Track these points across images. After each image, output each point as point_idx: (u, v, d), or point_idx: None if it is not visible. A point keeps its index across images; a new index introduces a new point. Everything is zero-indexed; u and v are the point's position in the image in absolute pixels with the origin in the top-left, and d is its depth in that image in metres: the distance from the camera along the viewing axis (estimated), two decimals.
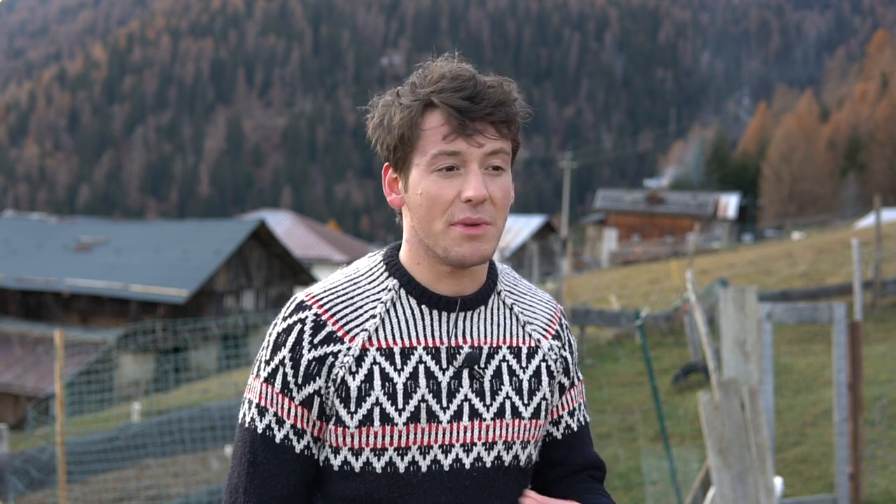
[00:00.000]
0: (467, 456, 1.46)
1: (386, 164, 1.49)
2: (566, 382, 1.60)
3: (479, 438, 1.47)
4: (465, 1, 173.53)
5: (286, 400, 1.43)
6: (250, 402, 1.47)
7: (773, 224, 55.07)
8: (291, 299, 1.49)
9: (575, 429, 1.62)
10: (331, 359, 1.42)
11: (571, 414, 1.62)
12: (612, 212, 53.45)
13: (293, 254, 32.21)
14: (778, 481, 4.73)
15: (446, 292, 1.48)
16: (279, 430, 1.44)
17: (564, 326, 1.62)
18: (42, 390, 22.28)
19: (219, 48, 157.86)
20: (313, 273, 34.37)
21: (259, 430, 1.45)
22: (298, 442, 1.44)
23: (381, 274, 1.50)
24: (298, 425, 1.44)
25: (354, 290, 1.48)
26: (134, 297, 27.31)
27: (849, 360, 5.24)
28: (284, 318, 1.46)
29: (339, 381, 1.42)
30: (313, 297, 1.47)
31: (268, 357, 1.46)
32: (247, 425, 1.46)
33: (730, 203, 52.79)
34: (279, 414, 1.43)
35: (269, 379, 1.44)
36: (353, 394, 1.42)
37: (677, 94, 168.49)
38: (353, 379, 1.42)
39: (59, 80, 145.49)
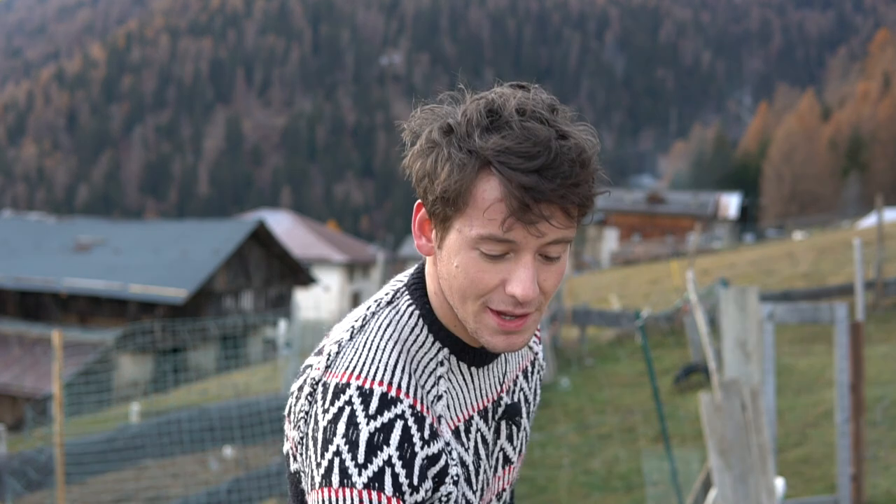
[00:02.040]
0: (499, 503, 1.37)
1: (419, 201, 1.22)
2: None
3: (507, 483, 1.37)
4: (465, 1, 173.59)
5: (399, 502, 1.14)
6: None
7: (774, 224, 55.08)
8: (358, 394, 1.17)
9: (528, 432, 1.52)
10: (443, 458, 1.19)
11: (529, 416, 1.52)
12: (612, 212, 53.46)
13: (292, 254, 32.22)
14: (779, 482, 4.70)
15: (477, 344, 1.28)
16: None
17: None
18: (40, 391, 22.26)
19: (218, 48, 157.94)
20: (313, 273, 34.37)
21: None
22: None
23: (427, 339, 1.24)
24: None
25: (413, 364, 1.23)
26: (133, 297, 27.30)
27: (850, 360, 5.21)
28: (372, 417, 1.15)
29: (458, 481, 1.21)
30: (392, 385, 1.18)
31: (362, 460, 1.13)
32: None
33: (731, 203, 52.82)
34: None
35: (373, 484, 1.13)
36: (460, 491, 1.23)
37: (678, 93, 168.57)
38: (456, 476, 1.22)
39: (57, 79, 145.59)
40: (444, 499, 1.19)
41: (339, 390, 1.18)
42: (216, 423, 9.75)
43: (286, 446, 1.30)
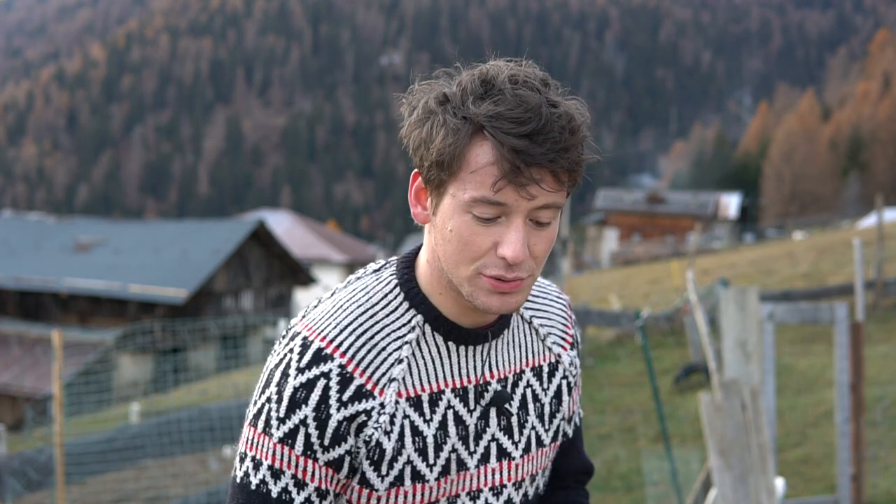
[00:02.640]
0: (497, 499, 1.35)
1: (415, 171, 1.25)
2: (574, 390, 1.47)
3: (510, 479, 1.35)
4: (465, 1, 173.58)
5: (309, 462, 1.22)
6: (257, 462, 1.23)
7: (774, 224, 55.08)
8: (299, 342, 1.24)
9: (570, 435, 1.50)
10: (363, 417, 1.22)
11: (569, 420, 1.48)
12: (612, 212, 53.47)
13: (292, 254, 32.22)
14: (779, 482, 4.69)
15: (470, 324, 1.29)
16: (299, 492, 1.23)
17: (575, 325, 1.48)
18: (40, 391, 22.26)
19: (218, 48, 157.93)
20: (313, 273, 34.36)
21: (273, 494, 1.22)
22: (321, 503, 1.24)
23: (401, 305, 1.27)
24: (323, 486, 1.24)
25: (375, 327, 1.25)
26: (133, 297, 27.30)
27: (851, 360, 5.20)
28: (300, 370, 1.22)
29: (372, 442, 1.23)
30: (331, 343, 1.23)
31: (281, 414, 1.21)
32: (254, 487, 1.23)
33: (731, 203, 52.82)
34: (299, 477, 1.22)
35: (286, 440, 1.21)
36: (387, 455, 1.24)
37: (678, 93, 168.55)
38: (388, 439, 1.24)
39: (57, 79, 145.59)
40: (355, 454, 1.23)
41: (291, 337, 1.26)
42: (216, 423, 9.75)
43: None
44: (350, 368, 1.22)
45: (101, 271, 28.41)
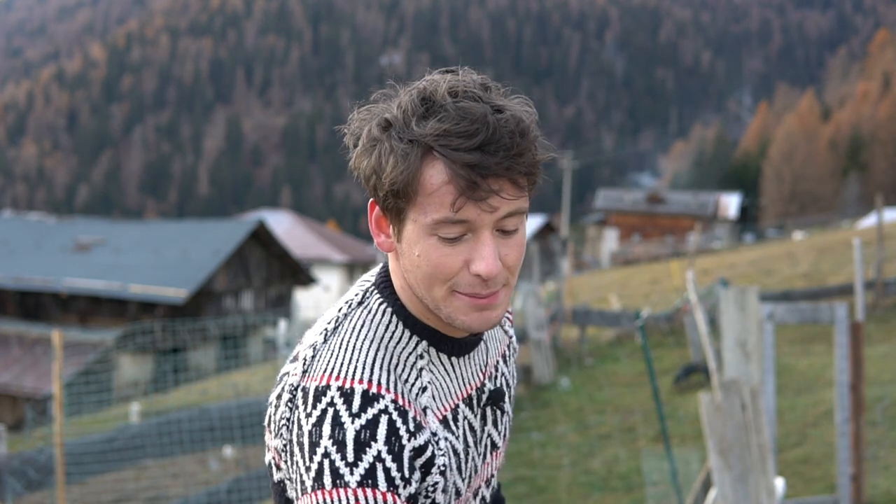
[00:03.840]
0: (488, 489, 1.38)
1: (371, 200, 1.22)
2: None
3: (495, 469, 1.38)
4: (465, 1, 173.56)
5: (394, 497, 1.12)
6: None
7: (774, 224, 55.11)
8: (339, 394, 1.16)
9: None
10: (430, 448, 1.18)
11: None
12: (612, 212, 53.47)
13: (292, 254, 32.22)
14: (779, 482, 4.70)
15: (462, 335, 1.28)
16: None
17: None
18: (40, 391, 22.26)
19: (218, 48, 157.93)
20: (313, 273, 34.37)
21: None
22: None
23: (404, 334, 1.24)
24: None
25: (393, 360, 1.22)
26: (133, 297, 27.30)
27: (850, 360, 5.21)
28: (355, 415, 1.13)
29: (445, 471, 1.21)
30: (372, 382, 1.17)
31: (350, 458, 1.11)
32: None
33: (731, 203, 52.83)
34: None
35: (366, 481, 1.11)
36: (450, 480, 1.23)
37: (678, 93, 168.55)
38: (443, 465, 1.21)
39: (57, 79, 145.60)
40: (430, 489, 1.19)
41: (320, 393, 1.16)
42: (216, 423, 9.75)
43: (268, 456, 1.28)
44: (401, 402, 1.17)
45: (101, 271, 28.41)
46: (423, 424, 1.20)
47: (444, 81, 1.16)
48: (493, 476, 1.38)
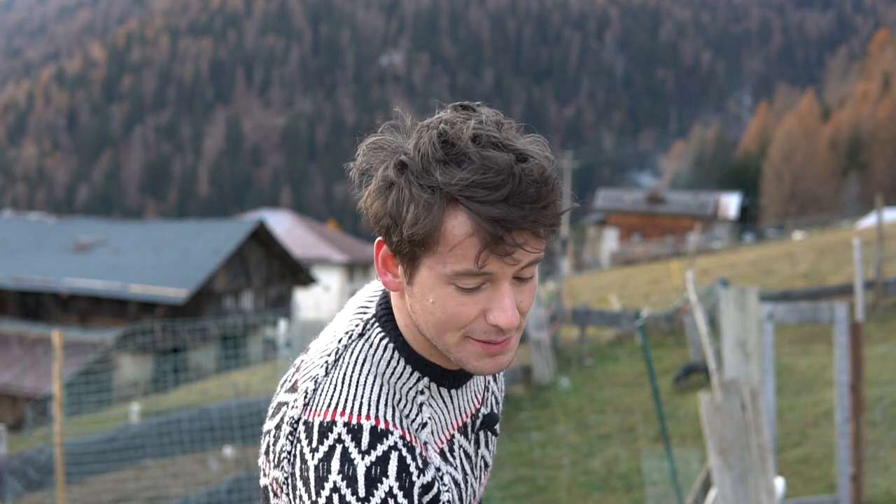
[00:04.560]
0: None
1: (379, 239, 1.18)
2: None
3: (484, 484, 1.39)
4: (465, 1, 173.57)
5: None
6: None
7: (774, 224, 55.11)
8: (347, 430, 1.14)
9: None
10: (436, 485, 1.18)
11: None
12: (612, 212, 53.47)
13: (292, 254, 32.22)
14: (779, 482, 4.70)
15: (459, 367, 1.28)
16: None
17: None
18: (40, 391, 22.26)
19: (218, 48, 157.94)
20: (313, 273, 34.38)
21: None
22: None
23: (405, 369, 1.22)
24: None
25: (396, 396, 1.21)
26: (133, 297, 27.30)
27: (850, 360, 5.21)
28: (365, 452, 1.12)
29: None
30: (379, 418, 1.16)
31: (362, 494, 1.10)
32: None
33: (731, 203, 52.84)
34: None
35: None
36: None
37: (678, 93, 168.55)
38: (453, 501, 1.22)
39: (57, 79, 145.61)
40: None
41: (326, 429, 1.14)
42: (216, 423, 9.75)
43: (264, 481, 1.26)
44: (408, 438, 1.17)
45: (102, 271, 28.41)
46: (429, 461, 1.19)
47: (466, 126, 1.11)
48: (483, 493, 1.41)
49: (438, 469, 1.21)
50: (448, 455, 1.25)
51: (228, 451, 9.88)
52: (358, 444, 1.13)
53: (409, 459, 1.14)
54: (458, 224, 1.08)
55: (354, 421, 1.14)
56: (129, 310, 27.69)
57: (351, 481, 1.10)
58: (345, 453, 1.12)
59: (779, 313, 5.23)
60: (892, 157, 58.42)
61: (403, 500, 1.11)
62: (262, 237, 30.26)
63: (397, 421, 1.17)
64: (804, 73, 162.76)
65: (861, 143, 62.30)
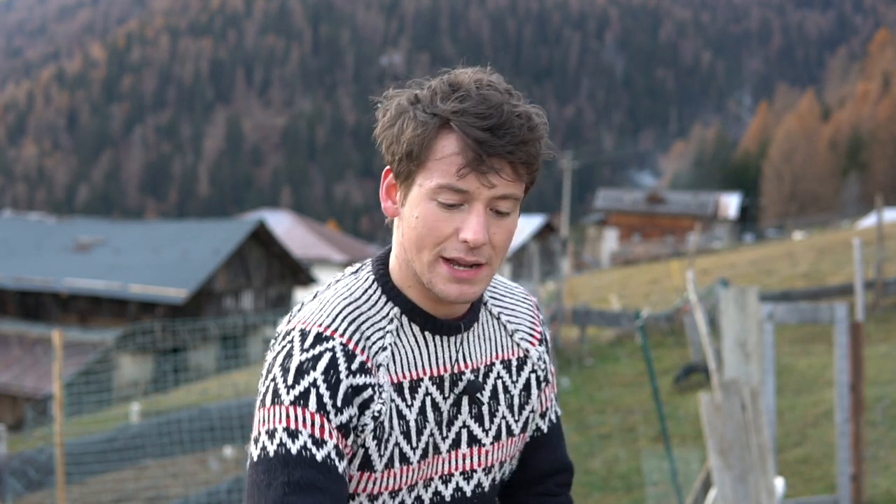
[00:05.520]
0: (468, 483, 1.43)
1: (387, 167, 1.35)
2: (544, 386, 1.54)
3: (479, 465, 1.43)
4: (465, 1, 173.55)
5: (324, 420, 1.25)
6: (271, 432, 1.25)
7: (774, 224, 55.08)
8: (299, 334, 1.31)
9: (545, 430, 1.56)
10: (369, 391, 1.30)
11: (543, 416, 1.55)
12: (612, 212, 53.47)
13: (292, 254, 32.21)
14: (779, 482, 4.70)
15: (443, 315, 1.38)
16: (318, 449, 1.25)
17: (543, 323, 1.56)
18: (40, 391, 22.26)
19: (218, 48, 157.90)
20: (313, 273, 34.37)
21: (294, 452, 1.24)
22: (339, 463, 1.26)
23: (380, 299, 1.36)
24: (339, 446, 1.27)
25: (360, 318, 1.34)
26: (133, 297, 27.30)
27: (850, 360, 5.21)
28: (305, 350, 1.29)
29: (381, 417, 1.30)
30: (328, 328, 1.31)
31: (290, 382, 1.27)
32: (272, 454, 1.24)
33: (731, 203, 52.84)
34: (316, 434, 1.25)
35: (299, 401, 1.26)
36: (385, 434, 1.32)
37: (678, 93, 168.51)
38: (387, 419, 1.32)
39: (57, 79, 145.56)
40: (361, 428, 1.30)
41: (286, 333, 1.34)
42: (216, 423, 9.75)
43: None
44: (351, 346, 1.31)
45: (102, 271, 28.40)
46: (372, 372, 1.31)
47: (474, 74, 1.32)
48: (475, 471, 1.43)
49: (381, 386, 1.31)
50: (406, 392, 1.35)
51: (228, 451, 9.88)
52: (302, 344, 1.30)
53: (341, 361, 1.29)
54: (447, 143, 1.26)
55: (308, 328, 1.32)
56: (129, 310, 27.68)
57: (285, 372, 1.28)
58: (289, 351, 1.30)
59: (779, 313, 5.23)
60: (892, 157, 58.40)
61: (325, 391, 1.27)
62: (262, 237, 30.26)
63: (347, 333, 1.32)
64: (804, 73, 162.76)
65: (861, 143, 62.28)
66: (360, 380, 1.29)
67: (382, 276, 1.38)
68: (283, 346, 1.32)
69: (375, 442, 1.31)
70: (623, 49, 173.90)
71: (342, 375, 1.28)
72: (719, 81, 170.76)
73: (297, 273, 31.94)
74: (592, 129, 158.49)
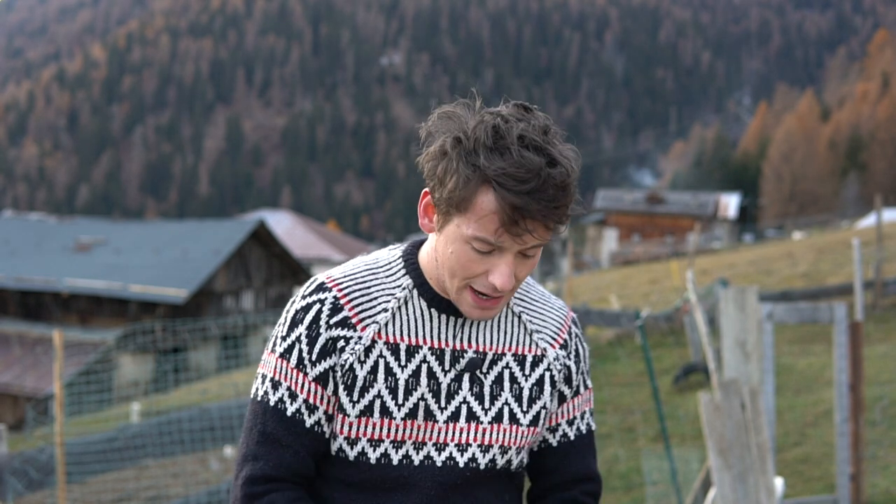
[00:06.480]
0: (462, 455, 1.52)
1: (427, 189, 1.47)
2: (567, 391, 1.62)
3: (475, 440, 1.52)
4: (465, 1, 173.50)
5: (300, 375, 1.47)
6: (264, 377, 1.51)
7: (773, 224, 55.05)
8: (312, 280, 1.54)
9: (572, 438, 1.63)
10: (342, 342, 1.47)
11: (570, 423, 1.63)
12: (612, 212, 53.44)
13: (293, 254, 32.22)
14: (779, 482, 4.71)
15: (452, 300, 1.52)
16: (291, 403, 1.48)
17: (574, 335, 1.63)
18: (41, 391, 22.26)
19: (218, 48, 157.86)
20: (313, 273, 34.38)
21: (271, 403, 1.48)
22: (309, 417, 1.48)
23: (399, 270, 1.54)
24: (311, 400, 1.48)
25: (373, 280, 1.52)
26: (133, 297, 27.31)
27: (850, 360, 5.22)
28: (304, 297, 1.51)
29: (347, 366, 1.47)
30: (333, 280, 1.51)
31: (284, 333, 1.50)
32: (259, 398, 1.50)
33: (730, 203, 52.78)
34: (293, 388, 1.48)
35: (285, 354, 1.49)
36: (359, 383, 1.47)
37: (678, 93, 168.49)
38: (361, 368, 1.47)
39: (58, 79, 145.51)
40: (333, 371, 1.48)
41: (309, 280, 1.55)
42: (217, 423, 9.76)
43: None
44: (342, 301, 1.49)
45: (102, 271, 28.41)
46: (355, 325, 1.48)
47: (517, 125, 1.37)
48: (470, 445, 1.51)
49: (359, 339, 1.47)
50: (402, 353, 1.49)
51: (228, 450, 9.89)
52: (305, 290, 1.52)
53: (324, 314, 1.48)
54: (486, 201, 1.36)
55: (320, 278, 1.53)
56: (129, 310, 27.69)
57: (284, 321, 1.52)
58: (297, 297, 1.53)
59: (778, 313, 5.24)
60: (892, 157, 58.38)
61: (306, 346, 1.48)
62: (262, 237, 30.26)
63: (347, 289, 1.50)
64: (804, 73, 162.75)
65: (860, 143, 62.25)
66: (336, 332, 1.47)
67: (410, 255, 1.55)
68: (299, 291, 1.54)
69: (345, 388, 1.47)
70: (623, 49, 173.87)
71: (322, 329, 1.47)
72: (719, 82, 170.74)
73: (298, 273, 31.94)
74: (592, 129, 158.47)
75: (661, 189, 65.58)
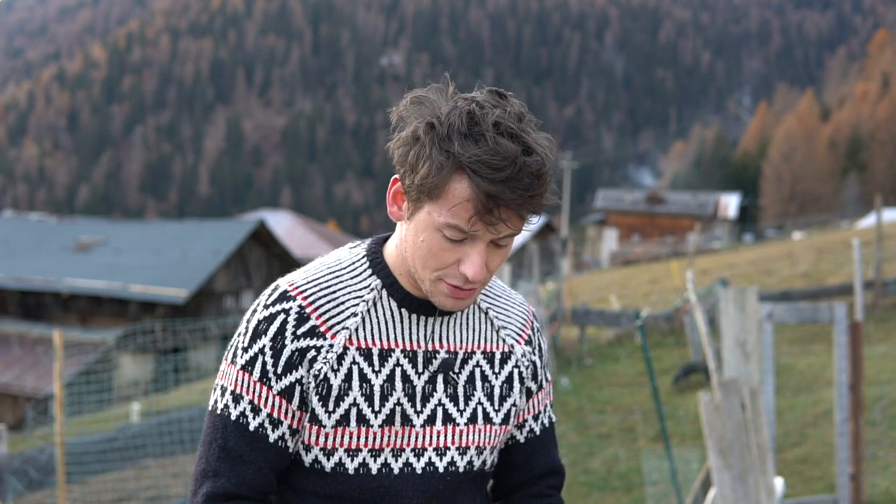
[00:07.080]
0: (441, 460, 1.48)
1: (396, 176, 1.40)
2: (533, 387, 1.60)
3: (453, 443, 1.49)
4: (465, 1, 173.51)
5: (264, 388, 1.41)
6: (224, 389, 1.44)
7: (773, 224, 55.04)
8: (272, 287, 1.46)
9: (538, 432, 1.62)
10: (313, 352, 1.41)
11: (536, 418, 1.62)
12: (612, 212, 53.46)
13: (293, 254, 32.22)
14: (779, 482, 4.71)
15: (422, 296, 1.46)
16: (254, 418, 1.42)
17: (536, 330, 1.61)
18: (41, 391, 22.26)
19: (218, 48, 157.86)
20: None
21: (233, 417, 1.42)
22: (273, 431, 1.42)
23: (364, 270, 1.47)
24: (275, 415, 1.42)
25: (337, 284, 1.45)
26: (133, 297, 27.30)
27: (850, 360, 5.22)
28: (266, 306, 1.43)
29: (321, 376, 1.41)
30: (297, 287, 1.44)
31: (245, 344, 1.43)
32: (219, 411, 1.44)
33: (730, 203, 52.80)
34: (255, 402, 1.42)
35: (247, 367, 1.42)
36: (333, 392, 1.41)
37: (678, 93, 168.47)
38: (335, 377, 1.41)
39: (58, 79, 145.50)
40: (307, 386, 1.41)
41: (269, 287, 1.47)
42: None
43: None
44: (308, 310, 1.42)
45: (102, 271, 28.41)
46: (323, 333, 1.41)
47: (492, 112, 1.32)
48: (449, 449, 1.48)
49: (330, 347, 1.41)
50: (375, 358, 1.44)
51: None
52: (267, 299, 1.44)
53: (290, 325, 1.41)
54: (460, 188, 1.32)
55: (282, 285, 1.45)
56: (129, 310, 27.69)
57: (246, 332, 1.44)
58: (257, 306, 1.45)
59: (778, 313, 5.24)
60: (892, 157, 58.38)
61: (270, 359, 1.41)
62: (262, 237, 30.27)
63: (310, 295, 1.43)
64: (804, 73, 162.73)
65: (860, 143, 62.24)
66: (304, 342, 1.40)
67: (374, 253, 1.49)
68: (259, 299, 1.46)
69: (318, 398, 1.41)
70: (623, 49, 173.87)
71: (287, 341, 1.40)
72: (719, 81, 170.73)
73: None
74: (592, 129, 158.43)
75: (661, 189, 65.56)
